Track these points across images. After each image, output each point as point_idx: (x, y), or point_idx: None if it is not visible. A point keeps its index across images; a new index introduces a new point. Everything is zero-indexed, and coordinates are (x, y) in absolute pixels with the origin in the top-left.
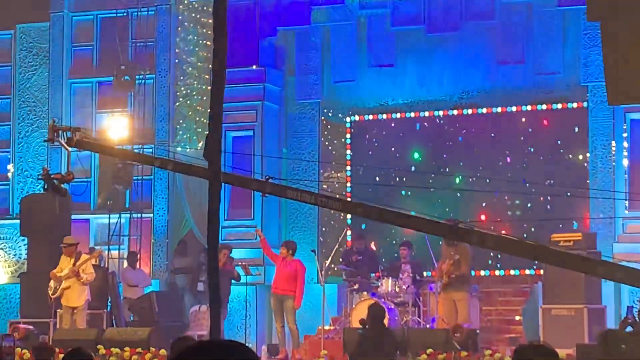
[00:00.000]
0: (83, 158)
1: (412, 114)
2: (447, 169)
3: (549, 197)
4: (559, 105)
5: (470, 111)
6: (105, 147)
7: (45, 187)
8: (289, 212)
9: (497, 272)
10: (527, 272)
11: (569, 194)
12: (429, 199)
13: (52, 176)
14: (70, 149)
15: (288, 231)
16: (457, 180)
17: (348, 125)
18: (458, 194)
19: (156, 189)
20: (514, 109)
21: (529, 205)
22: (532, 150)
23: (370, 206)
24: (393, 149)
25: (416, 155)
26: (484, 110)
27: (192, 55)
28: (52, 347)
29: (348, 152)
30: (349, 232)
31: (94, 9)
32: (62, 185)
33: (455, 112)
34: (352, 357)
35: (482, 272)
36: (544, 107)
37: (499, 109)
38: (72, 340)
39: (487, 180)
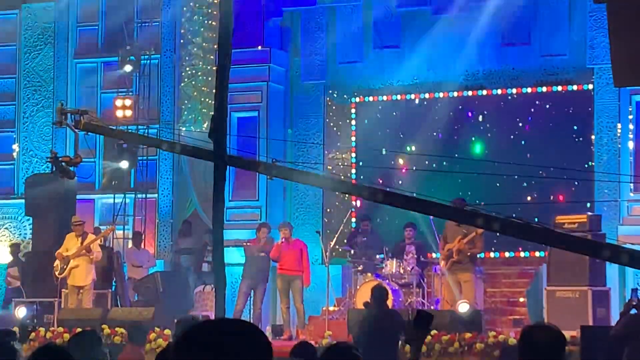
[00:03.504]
0: (87, 138)
1: (418, 96)
2: (452, 150)
3: (553, 179)
4: (565, 87)
5: (475, 93)
6: (113, 130)
7: (54, 169)
8: (294, 193)
9: (498, 254)
10: (537, 254)
11: (573, 176)
12: (435, 181)
13: (60, 159)
14: (78, 131)
15: (292, 212)
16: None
17: (353, 106)
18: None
19: (161, 169)
20: (519, 90)
21: (532, 186)
22: (537, 132)
23: (376, 189)
24: (398, 130)
25: (421, 137)
26: (490, 92)
27: (198, 36)
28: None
29: (353, 133)
30: (353, 216)
31: None
32: (70, 168)
33: (460, 93)
34: (356, 338)
35: (492, 254)
36: (550, 88)
37: (505, 91)
38: (77, 320)
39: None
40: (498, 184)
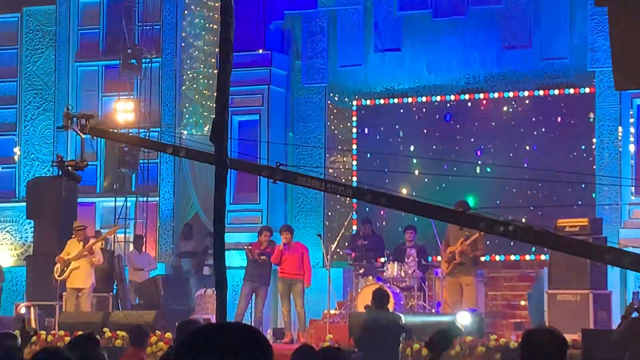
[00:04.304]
0: (90, 142)
1: (419, 99)
2: (453, 154)
3: (554, 183)
4: (566, 91)
5: (476, 96)
6: (119, 134)
7: (59, 173)
8: (295, 197)
9: (504, 257)
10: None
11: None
12: (435, 184)
13: (66, 163)
14: (84, 136)
15: (294, 215)
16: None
17: (354, 109)
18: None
19: (162, 172)
20: (520, 94)
21: (534, 190)
22: (538, 135)
23: (380, 192)
24: (399, 133)
25: (422, 140)
26: (491, 95)
27: (199, 39)
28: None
29: (354, 136)
30: (354, 216)
31: None
32: (76, 172)
33: (461, 96)
34: (357, 341)
35: (497, 257)
36: (551, 92)
37: (506, 94)
38: (78, 323)
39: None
40: (498, 187)
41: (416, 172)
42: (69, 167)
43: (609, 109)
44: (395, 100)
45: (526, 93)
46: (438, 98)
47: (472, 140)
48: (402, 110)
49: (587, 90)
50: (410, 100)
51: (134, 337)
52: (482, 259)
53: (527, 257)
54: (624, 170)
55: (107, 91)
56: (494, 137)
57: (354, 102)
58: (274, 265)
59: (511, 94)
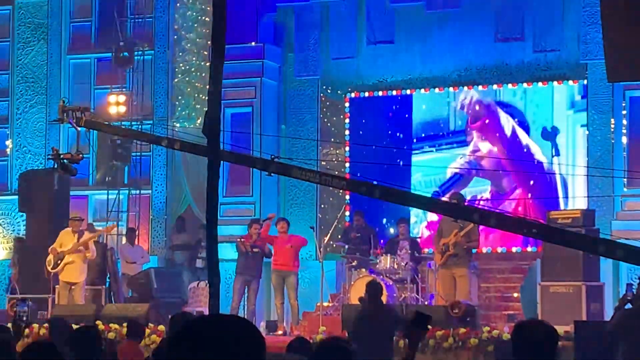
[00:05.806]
0: (83, 134)
1: (412, 91)
2: (445, 145)
3: (547, 175)
4: (558, 83)
5: (469, 88)
6: (114, 127)
7: (55, 166)
8: (288, 189)
9: (505, 250)
10: (529, 249)
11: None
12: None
13: (62, 156)
14: (79, 129)
15: (287, 208)
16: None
17: (347, 102)
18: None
19: (155, 165)
20: (512, 86)
21: (531, 182)
22: (530, 127)
23: (374, 185)
24: (391, 125)
25: (413, 132)
26: (483, 88)
27: (191, 31)
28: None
29: (347, 129)
30: (347, 210)
31: None
32: (72, 165)
33: (454, 89)
34: (351, 333)
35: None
36: (543, 84)
37: (498, 86)
38: (71, 316)
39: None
40: (491, 179)
41: (402, 163)
42: (65, 160)
43: (602, 101)
44: (388, 93)
45: (518, 85)
46: (431, 90)
47: (463, 131)
48: (394, 103)
49: (580, 82)
50: (402, 92)
51: (131, 329)
52: (484, 250)
53: (529, 249)
54: (616, 162)
55: (100, 84)
56: (486, 129)
57: (347, 95)
58: (266, 257)
59: (503, 86)
